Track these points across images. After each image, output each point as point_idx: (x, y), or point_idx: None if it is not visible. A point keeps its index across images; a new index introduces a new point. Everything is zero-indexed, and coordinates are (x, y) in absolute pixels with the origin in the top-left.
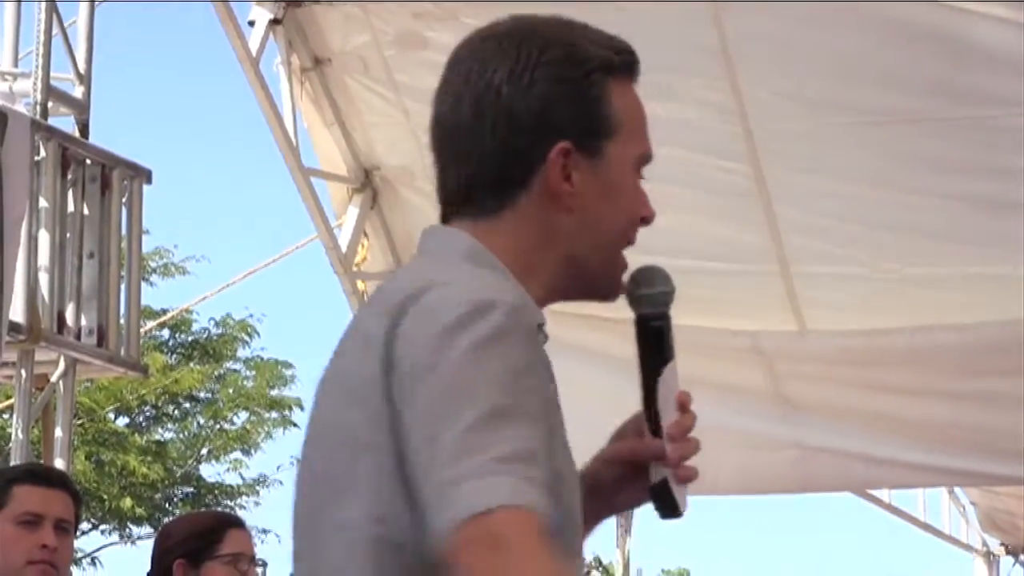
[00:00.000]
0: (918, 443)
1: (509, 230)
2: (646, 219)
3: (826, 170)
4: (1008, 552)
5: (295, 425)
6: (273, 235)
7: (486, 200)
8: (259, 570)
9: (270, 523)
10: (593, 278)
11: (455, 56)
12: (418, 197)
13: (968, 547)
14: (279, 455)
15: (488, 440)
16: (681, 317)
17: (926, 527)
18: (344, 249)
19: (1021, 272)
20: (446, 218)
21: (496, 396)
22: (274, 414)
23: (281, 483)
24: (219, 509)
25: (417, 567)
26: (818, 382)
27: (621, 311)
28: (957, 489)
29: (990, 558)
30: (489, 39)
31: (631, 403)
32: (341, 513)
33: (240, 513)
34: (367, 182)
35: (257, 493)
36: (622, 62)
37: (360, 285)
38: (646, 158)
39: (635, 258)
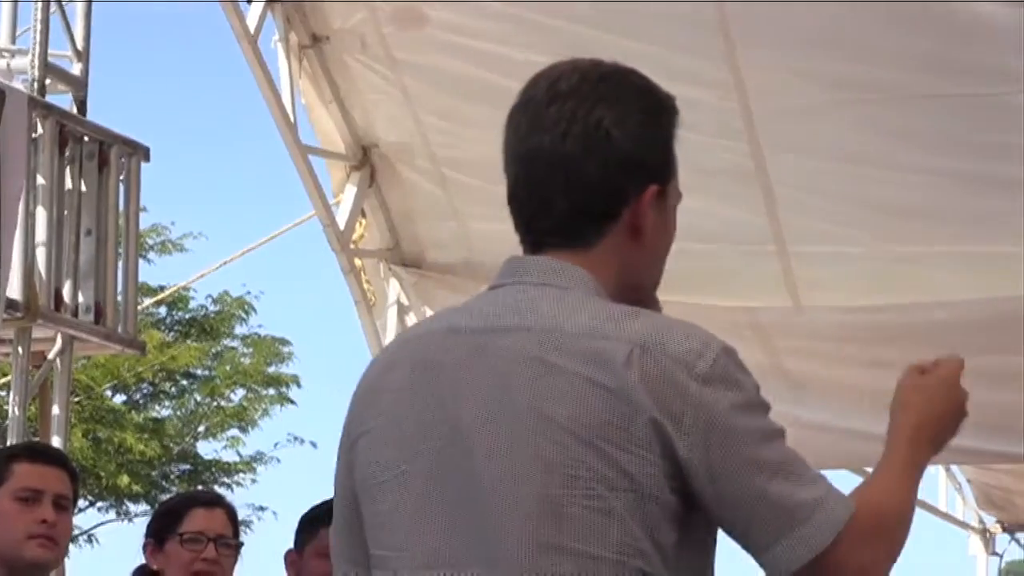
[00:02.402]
0: None
1: (601, 260)
2: None
3: (824, 149)
4: (1004, 529)
5: (292, 402)
6: (271, 213)
7: (586, 231)
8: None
9: (267, 500)
10: (642, 302)
11: (551, 90)
12: (416, 175)
13: (964, 524)
14: (276, 432)
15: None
16: (680, 295)
17: (922, 504)
18: (342, 227)
19: (1017, 250)
20: (540, 245)
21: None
22: (271, 391)
23: (278, 460)
24: (211, 488)
25: None
26: (816, 358)
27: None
28: (953, 466)
29: (986, 535)
30: (586, 79)
31: None
32: (590, 547)
33: (236, 490)
34: (365, 159)
35: (254, 470)
36: (676, 110)
37: (357, 262)
38: (680, 199)
39: None
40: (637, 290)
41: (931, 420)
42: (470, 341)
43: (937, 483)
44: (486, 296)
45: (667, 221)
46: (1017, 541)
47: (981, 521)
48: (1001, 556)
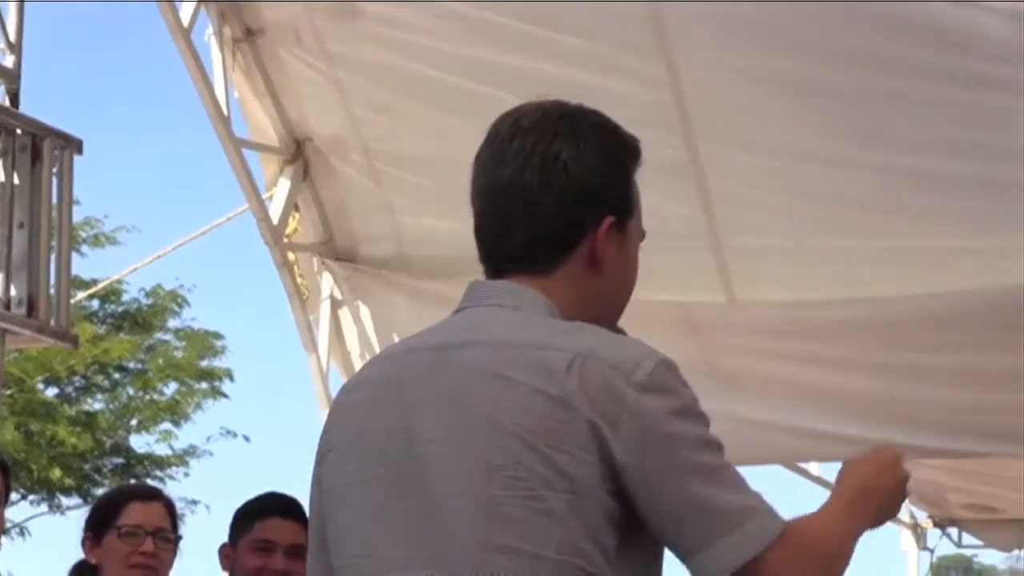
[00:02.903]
0: (846, 416)
1: (560, 287)
2: None
3: (758, 143)
4: (935, 524)
5: (225, 396)
6: (204, 206)
7: (545, 258)
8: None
9: (199, 494)
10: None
11: (514, 126)
12: (350, 169)
13: (896, 520)
14: (209, 426)
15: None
16: None
17: None
18: (275, 220)
19: (949, 245)
20: (501, 272)
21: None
22: (204, 385)
23: (211, 454)
24: (145, 481)
25: None
26: (749, 354)
27: None
28: None
29: (917, 530)
30: (548, 117)
31: None
32: (533, 547)
33: (169, 484)
34: (298, 153)
35: (187, 464)
36: (639, 151)
37: (291, 256)
38: (644, 236)
39: None
40: (596, 319)
41: (877, 488)
42: (429, 357)
43: None
44: (449, 318)
45: (627, 256)
46: (948, 536)
47: (912, 516)
48: (932, 551)
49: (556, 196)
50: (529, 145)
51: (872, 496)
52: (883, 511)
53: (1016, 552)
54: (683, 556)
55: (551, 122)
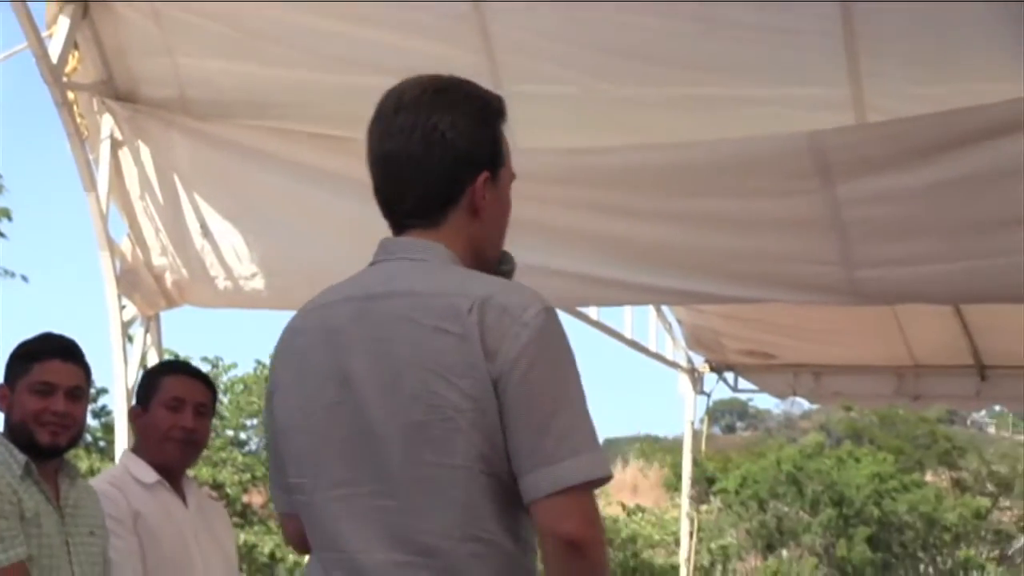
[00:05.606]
0: (626, 262)
1: (450, 234)
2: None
3: None
4: (712, 369)
5: (2, 235)
6: None
7: (434, 212)
8: None
9: None
10: (487, 262)
11: (398, 103)
12: (129, 10)
13: (674, 364)
14: None
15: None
16: None
17: (633, 344)
18: (54, 59)
19: (733, 93)
20: (402, 228)
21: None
22: None
23: None
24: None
25: (505, 493)
26: (528, 200)
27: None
28: (664, 307)
29: (694, 375)
30: (425, 92)
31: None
32: (448, 459)
33: None
34: None
35: None
36: (503, 109)
37: (70, 95)
38: (514, 177)
39: (345, 68)
40: (480, 253)
41: None
42: (355, 307)
43: (647, 324)
44: (368, 271)
45: (501, 199)
46: (724, 380)
47: (690, 361)
48: (709, 395)
49: (438, 161)
50: (411, 119)
51: None
52: None
53: (790, 397)
54: (516, 474)
55: (429, 96)
